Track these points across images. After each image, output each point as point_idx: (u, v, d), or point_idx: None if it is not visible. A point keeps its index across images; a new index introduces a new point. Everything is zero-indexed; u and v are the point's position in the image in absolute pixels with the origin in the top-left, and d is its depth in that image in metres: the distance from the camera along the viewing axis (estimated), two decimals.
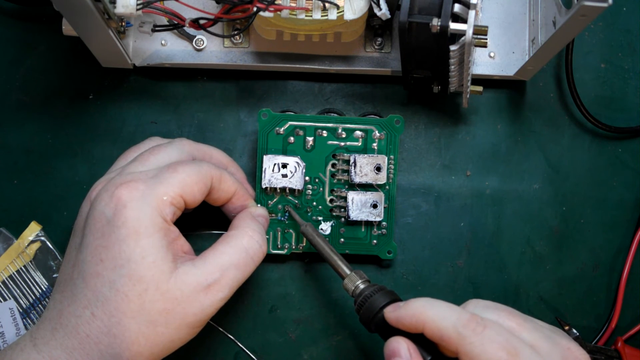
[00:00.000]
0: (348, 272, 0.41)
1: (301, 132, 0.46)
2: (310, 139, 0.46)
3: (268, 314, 0.48)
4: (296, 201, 0.46)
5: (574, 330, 0.47)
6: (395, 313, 0.37)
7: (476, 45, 0.40)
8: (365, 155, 0.46)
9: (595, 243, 0.49)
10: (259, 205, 0.45)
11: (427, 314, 0.35)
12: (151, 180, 0.38)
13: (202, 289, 0.37)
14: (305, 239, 0.46)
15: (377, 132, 0.46)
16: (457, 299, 0.48)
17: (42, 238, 0.47)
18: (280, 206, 0.46)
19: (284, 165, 0.45)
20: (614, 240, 0.50)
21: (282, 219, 0.46)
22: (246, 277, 0.39)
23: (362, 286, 0.40)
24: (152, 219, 0.37)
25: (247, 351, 0.47)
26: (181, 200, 0.38)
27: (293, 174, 0.45)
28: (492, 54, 0.48)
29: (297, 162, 0.45)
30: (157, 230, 0.37)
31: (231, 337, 0.47)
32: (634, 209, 0.50)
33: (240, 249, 0.39)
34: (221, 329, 0.47)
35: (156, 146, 0.41)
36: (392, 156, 0.47)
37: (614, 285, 0.49)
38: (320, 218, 0.46)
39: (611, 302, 0.49)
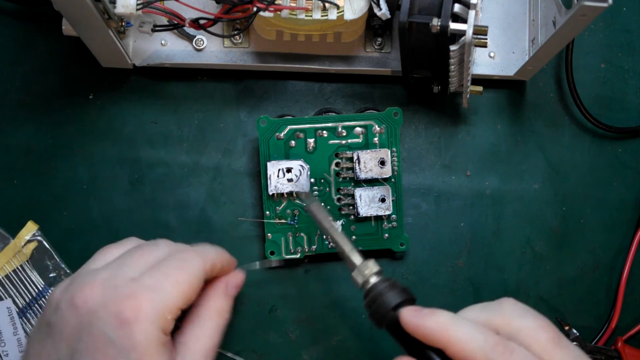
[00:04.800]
0: (357, 262, 0.38)
1: (301, 135, 0.46)
2: (311, 140, 0.46)
3: (268, 314, 0.48)
4: (304, 204, 0.46)
5: (574, 330, 0.47)
6: (415, 320, 0.35)
7: (476, 45, 0.40)
8: (368, 150, 0.46)
9: (595, 243, 0.49)
10: (238, 271, 0.43)
11: (453, 333, 0.33)
12: (155, 297, 0.36)
13: None
14: (314, 237, 0.46)
15: (376, 126, 0.47)
16: (457, 299, 0.48)
17: (39, 238, 0.47)
18: (288, 211, 0.46)
19: (289, 170, 0.45)
20: (614, 240, 0.50)
21: (292, 222, 0.46)
22: None
23: (374, 279, 0.37)
24: (159, 340, 0.36)
25: (246, 353, 0.47)
26: (180, 312, 0.37)
27: (298, 178, 0.45)
28: (492, 54, 0.48)
29: (301, 165, 0.45)
30: (163, 347, 0.36)
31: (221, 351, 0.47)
32: (634, 209, 0.50)
33: (216, 330, 0.40)
34: None
35: (143, 246, 0.40)
36: (394, 149, 0.47)
37: (614, 285, 0.49)
38: (329, 218, 0.46)
39: (611, 302, 0.49)
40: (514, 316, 0.34)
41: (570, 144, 0.50)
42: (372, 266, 0.37)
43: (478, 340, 0.33)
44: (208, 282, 0.41)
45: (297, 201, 0.46)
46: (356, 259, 0.38)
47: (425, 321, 0.34)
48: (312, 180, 0.46)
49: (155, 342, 0.35)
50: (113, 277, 0.37)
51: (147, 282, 0.36)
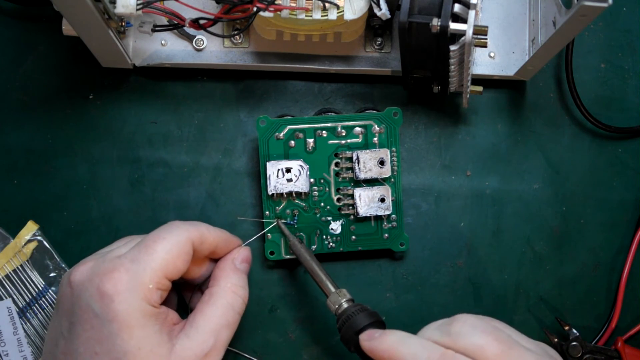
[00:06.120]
0: (332, 289, 0.41)
1: (301, 135, 0.46)
2: (310, 140, 0.46)
3: (268, 314, 0.48)
4: (303, 204, 0.46)
5: (574, 330, 0.47)
6: (369, 343, 0.37)
7: (476, 45, 0.40)
8: (368, 150, 0.46)
9: (595, 243, 0.49)
10: (242, 245, 0.44)
11: (400, 352, 0.35)
12: (133, 268, 0.37)
13: (201, 359, 0.38)
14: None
15: (376, 126, 0.47)
16: (457, 299, 0.48)
17: (39, 237, 0.47)
18: (288, 211, 0.46)
19: (288, 170, 0.45)
20: (614, 240, 0.50)
21: (292, 222, 0.46)
22: (234, 330, 0.40)
23: (345, 305, 0.40)
24: (142, 310, 0.36)
25: (245, 355, 0.47)
26: (167, 282, 0.38)
27: (298, 178, 0.45)
28: (492, 54, 0.48)
29: (301, 165, 0.45)
30: (149, 318, 0.36)
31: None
32: (634, 209, 0.50)
33: (227, 308, 0.40)
34: None
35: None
36: (394, 149, 0.47)
37: (614, 285, 0.49)
38: (329, 218, 0.46)
39: (611, 302, 0.49)
40: (460, 335, 0.35)
41: (570, 144, 0.50)
42: (344, 293, 0.41)
43: (421, 356, 0.34)
44: (218, 262, 0.42)
45: (297, 201, 0.46)
46: (331, 287, 0.41)
47: (377, 344, 0.36)
48: (312, 180, 0.46)
49: (137, 313, 0.36)
50: (104, 256, 0.38)
51: (127, 255, 0.38)
